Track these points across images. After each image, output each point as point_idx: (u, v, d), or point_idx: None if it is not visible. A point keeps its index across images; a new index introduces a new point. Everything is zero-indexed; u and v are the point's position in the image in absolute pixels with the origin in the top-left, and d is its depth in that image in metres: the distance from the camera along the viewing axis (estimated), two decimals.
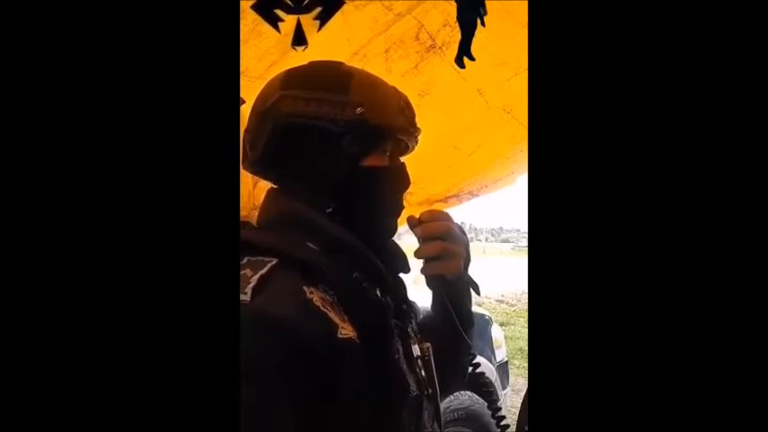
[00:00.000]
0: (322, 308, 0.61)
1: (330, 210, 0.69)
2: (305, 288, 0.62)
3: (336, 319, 0.62)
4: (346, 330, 0.62)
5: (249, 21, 0.95)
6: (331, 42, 1.05)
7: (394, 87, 0.74)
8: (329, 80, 0.70)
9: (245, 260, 0.63)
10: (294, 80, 0.72)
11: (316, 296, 0.62)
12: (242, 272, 0.61)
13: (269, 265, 0.62)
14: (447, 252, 0.72)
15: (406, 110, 0.72)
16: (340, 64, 0.74)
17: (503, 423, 0.77)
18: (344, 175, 0.69)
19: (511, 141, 1.31)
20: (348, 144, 0.68)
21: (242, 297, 0.58)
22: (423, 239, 0.73)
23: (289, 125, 0.69)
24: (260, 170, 0.75)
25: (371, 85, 0.72)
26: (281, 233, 0.67)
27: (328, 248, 0.67)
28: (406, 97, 0.74)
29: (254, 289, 0.59)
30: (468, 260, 0.77)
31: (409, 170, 0.78)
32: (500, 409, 0.79)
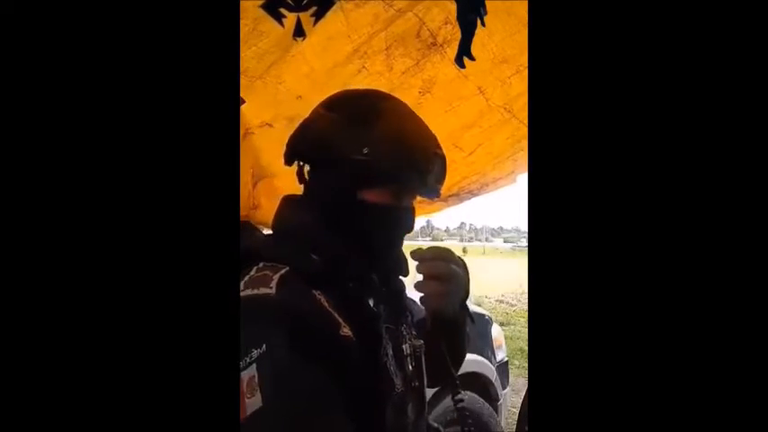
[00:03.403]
0: (328, 308, 0.69)
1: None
2: (314, 291, 0.69)
3: (340, 320, 0.69)
4: (347, 330, 0.69)
5: (249, 21, 0.96)
6: (331, 40, 1.05)
7: (431, 138, 0.77)
8: (361, 112, 0.75)
9: (260, 264, 0.71)
10: (335, 103, 0.78)
11: (323, 298, 0.70)
12: (263, 272, 0.69)
13: (284, 270, 0.69)
14: (443, 292, 0.77)
15: (420, 167, 0.75)
16: (385, 100, 0.79)
17: None
18: (341, 200, 0.75)
19: (511, 140, 1.31)
20: (348, 177, 0.73)
21: (266, 290, 0.66)
22: (423, 276, 0.77)
23: (313, 141, 0.76)
24: (296, 160, 0.81)
25: (397, 131, 0.75)
26: (289, 243, 0.75)
27: (328, 260, 0.73)
28: (434, 155, 0.76)
29: (277, 284, 0.67)
30: (466, 295, 0.82)
31: None
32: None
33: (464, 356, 0.91)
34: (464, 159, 1.34)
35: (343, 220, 0.76)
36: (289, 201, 0.81)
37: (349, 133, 0.74)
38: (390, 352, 0.76)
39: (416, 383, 0.81)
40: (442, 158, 0.78)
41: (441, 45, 1.10)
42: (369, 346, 0.72)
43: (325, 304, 0.69)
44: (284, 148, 0.80)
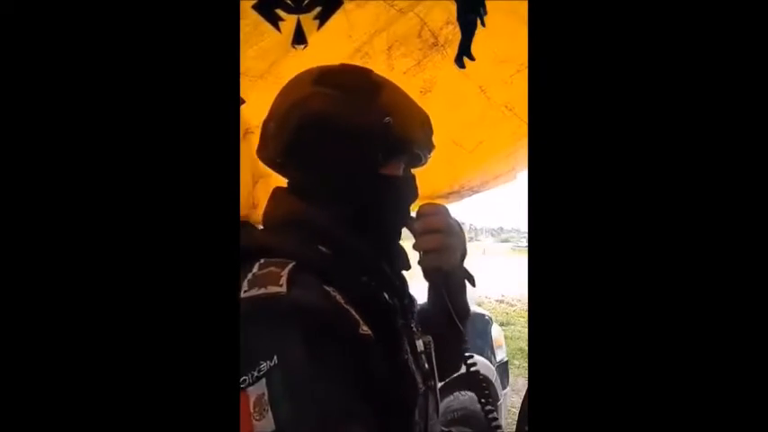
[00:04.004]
0: (344, 305, 0.63)
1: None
2: (326, 287, 0.63)
3: (357, 317, 0.63)
4: (366, 327, 0.63)
5: (250, 20, 0.95)
6: (332, 39, 1.05)
7: (416, 103, 0.75)
8: (361, 85, 0.71)
9: (262, 261, 0.64)
10: (327, 79, 0.72)
11: (338, 295, 0.63)
12: (267, 269, 0.62)
13: (291, 265, 0.63)
14: (444, 245, 0.73)
15: (425, 126, 0.74)
16: (370, 72, 0.76)
17: (494, 424, 0.78)
18: (363, 179, 0.70)
19: (512, 138, 1.31)
20: (372, 150, 0.69)
21: (277, 289, 0.59)
22: (421, 233, 0.73)
23: (317, 122, 0.69)
24: (277, 163, 0.75)
25: (399, 97, 0.73)
26: (292, 236, 0.68)
27: (338, 252, 0.68)
28: (426, 114, 0.75)
29: (287, 281, 0.60)
30: (464, 254, 0.78)
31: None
32: (493, 410, 0.79)
33: (469, 314, 0.86)
34: (465, 157, 1.34)
35: (355, 201, 0.70)
36: (282, 192, 0.75)
37: (357, 106, 0.69)
38: (408, 349, 0.71)
39: (432, 383, 0.75)
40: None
41: (442, 45, 1.10)
42: (389, 345, 0.66)
43: (341, 301, 0.63)
44: (272, 141, 0.72)
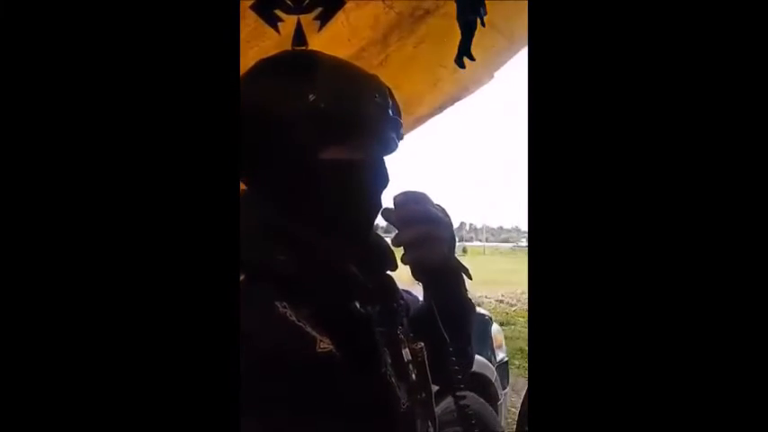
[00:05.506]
0: (297, 322, 0.58)
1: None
2: (277, 303, 0.58)
3: (314, 333, 0.58)
4: (325, 344, 0.58)
5: (251, 21, 0.96)
6: (334, 41, 1.04)
7: (372, 76, 0.67)
8: (295, 67, 0.65)
9: None
10: (262, 68, 0.67)
11: (289, 311, 0.58)
12: None
13: None
14: (425, 236, 0.65)
15: (379, 99, 0.65)
16: (312, 52, 0.68)
17: None
18: (302, 168, 0.63)
19: (491, 50, 1.26)
20: (302, 134, 0.61)
21: None
22: (398, 225, 0.66)
23: (249, 114, 0.62)
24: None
25: (337, 72, 0.66)
26: (248, 246, 0.61)
27: (300, 259, 0.62)
28: (384, 87, 0.67)
29: None
30: (453, 243, 0.70)
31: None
32: None
33: (470, 309, 0.77)
34: (450, 77, 1.32)
35: (302, 195, 0.63)
36: (243, 197, 0.68)
37: (284, 91, 0.62)
38: (389, 360, 0.65)
39: (423, 395, 0.68)
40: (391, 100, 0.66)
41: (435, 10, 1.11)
42: (360, 358, 0.60)
43: (293, 318, 0.57)
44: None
